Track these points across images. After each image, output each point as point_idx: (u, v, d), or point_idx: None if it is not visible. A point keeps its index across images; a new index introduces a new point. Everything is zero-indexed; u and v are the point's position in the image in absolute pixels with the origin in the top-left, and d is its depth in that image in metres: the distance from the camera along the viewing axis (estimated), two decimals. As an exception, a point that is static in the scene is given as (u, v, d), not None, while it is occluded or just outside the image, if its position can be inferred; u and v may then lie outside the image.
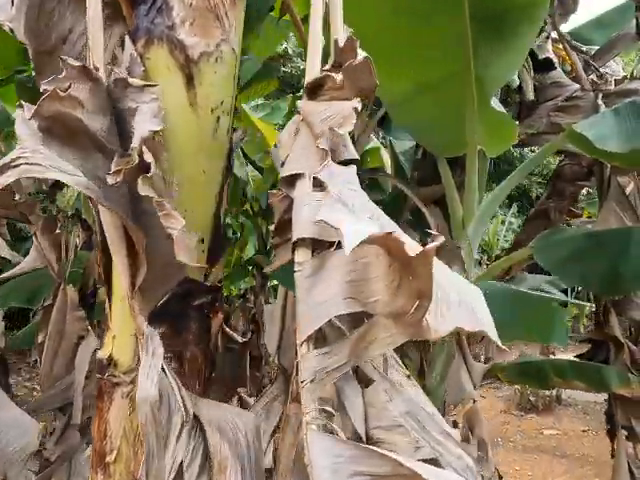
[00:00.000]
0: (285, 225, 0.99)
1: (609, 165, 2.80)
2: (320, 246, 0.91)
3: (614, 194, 2.71)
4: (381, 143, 4.16)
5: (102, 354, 1.12)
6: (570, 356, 3.34)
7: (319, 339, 0.89)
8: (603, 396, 3.22)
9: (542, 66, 2.95)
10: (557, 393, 8.08)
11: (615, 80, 3.05)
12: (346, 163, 0.96)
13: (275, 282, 5.37)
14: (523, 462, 6.13)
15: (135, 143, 0.82)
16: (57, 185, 2.84)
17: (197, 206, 1.07)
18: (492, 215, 2.84)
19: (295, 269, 0.88)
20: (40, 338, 2.49)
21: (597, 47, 3.17)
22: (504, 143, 2.49)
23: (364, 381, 0.91)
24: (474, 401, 2.25)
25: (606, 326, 2.89)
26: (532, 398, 7.91)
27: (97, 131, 0.86)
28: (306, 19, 2.29)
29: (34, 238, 2.45)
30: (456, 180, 2.48)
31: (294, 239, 0.88)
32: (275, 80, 4.16)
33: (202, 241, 1.11)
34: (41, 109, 0.80)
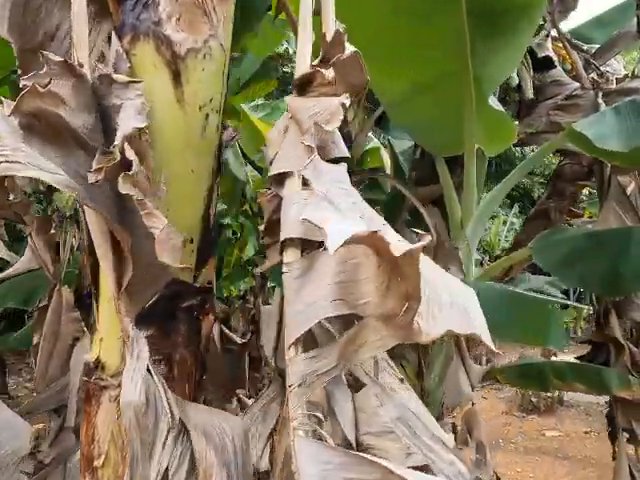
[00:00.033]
0: (275, 225, 0.97)
1: (609, 164, 2.78)
2: (309, 246, 0.89)
3: (614, 194, 2.69)
4: (381, 143, 4.14)
5: (89, 357, 1.10)
6: (571, 358, 3.31)
7: (308, 342, 0.87)
8: (605, 397, 3.18)
9: (542, 64, 2.93)
10: (559, 394, 8.04)
11: (616, 79, 3.02)
12: (337, 161, 0.93)
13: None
14: (524, 464, 6.10)
15: (117, 140, 0.80)
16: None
17: (185, 205, 1.05)
18: (491, 215, 2.82)
19: (283, 270, 0.86)
20: (35, 339, 2.47)
21: (598, 46, 3.15)
22: (503, 142, 2.47)
23: (354, 385, 0.88)
24: (472, 403, 2.23)
25: (606, 327, 2.86)
26: (534, 399, 7.87)
27: (79, 128, 0.84)
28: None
29: (29, 239, 2.43)
30: (455, 180, 2.46)
31: (282, 239, 0.86)
32: (274, 80, 4.14)
33: (191, 241, 1.09)
34: (20, 105, 0.78)
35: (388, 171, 3.50)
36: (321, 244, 0.86)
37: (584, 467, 6.03)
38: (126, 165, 0.80)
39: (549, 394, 7.80)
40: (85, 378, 1.09)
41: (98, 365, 1.08)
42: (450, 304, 0.80)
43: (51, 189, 3.06)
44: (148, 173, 0.91)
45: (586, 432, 7.16)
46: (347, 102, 0.83)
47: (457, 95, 2.15)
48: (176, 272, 1.00)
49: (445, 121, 2.32)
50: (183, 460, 0.92)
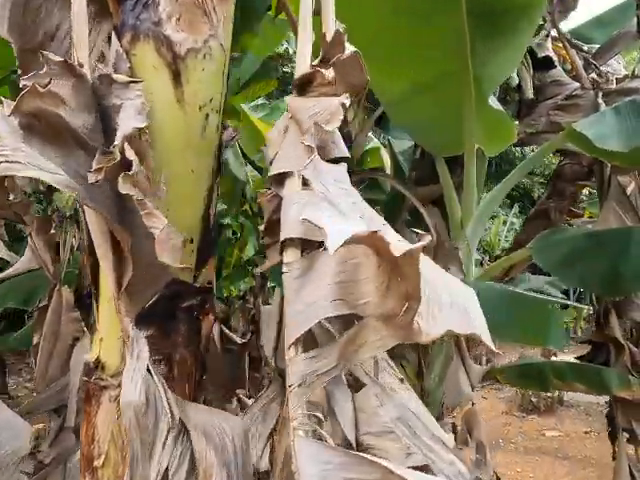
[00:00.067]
0: (275, 225, 0.97)
1: (609, 164, 2.78)
2: (310, 246, 0.89)
3: (614, 194, 2.68)
4: (381, 143, 4.14)
5: (89, 357, 1.10)
6: (571, 357, 3.31)
7: (308, 342, 0.87)
8: (605, 397, 3.18)
9: (542, 64, 2.93)
10: (559, 394, 8.03)
11: (616, 79, 3.02)
12: (337, 161, 0.93)
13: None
14: (524, 464, 6.10)
15: (117, 140, 0.80)
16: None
17: (185, 205, 1.05)
18: (491, 215, 2.81)
19: (283, 270, 0.86)
20: (35, 339, 2.47)
21: (598, 46, 3.15)
22: (503, 142, 2.47)
23: (354, 385, 0.88)
24: (472, 403, 2.23)
25: (606, 327, 2.86)
26: (534, 399, 7.86)
27: (79, 128, 0.84)
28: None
29: (29, 239, 2.43)
30: (454, 180, 2.46)
31: (282, 239, 0.86)
32: (274, 80, 4.14)
33: (191, 241, 1.09)
34: (20, 105, 0.78)
35: (388, 171, 3.50)
36: (321, 244, 0.86)
37: (584, 467, 6.03)
38: (126, 165, 0.80)
39: (549, 394, 7.79)
40: (85, 378, 1.09)
41: (98, 365, 1.08)
42: (450, 304, 0.80)
43: (51, 189, 3.06)
44: (148, 173, 0.91)
45: (586, 432, 7.16)
46: (347, 102, 0.83)
47: (457, 95, 2.14)
48: (176, 272, 1.00)
49: (445, 121, 2.32)
50: (183, 460, 0.92)
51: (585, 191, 4.77)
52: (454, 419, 2.85)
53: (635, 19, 2.85)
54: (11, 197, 2.29)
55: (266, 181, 0.97)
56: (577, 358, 3.13)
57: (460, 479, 0.83)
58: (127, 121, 0.84)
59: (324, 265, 0.83)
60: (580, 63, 2.94)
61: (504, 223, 11.96)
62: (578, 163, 3.21)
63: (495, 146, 2.50)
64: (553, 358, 5.48)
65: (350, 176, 0.90)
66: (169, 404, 0.92)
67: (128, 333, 0.95)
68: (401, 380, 0.97)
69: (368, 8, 1.94)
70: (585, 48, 3.05)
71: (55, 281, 2.48)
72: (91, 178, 0.77)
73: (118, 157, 0.78)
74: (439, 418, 2.27)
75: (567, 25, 3.21)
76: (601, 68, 3.01)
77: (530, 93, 2.85)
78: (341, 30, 0.85)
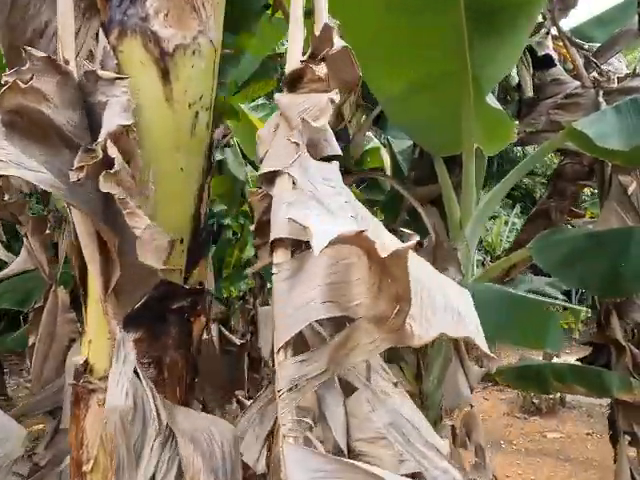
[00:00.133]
0: (265, 225, 0.95)
1: (610, 164, 2.75)
2: (300, 246, 0.86)
3: (615, 193, 2.65)
4: (382, 143, 4.11)
5: (78, 359, 1.08)
6: (573, 359, 3.28)
7: (299, 345, 0.84)
8: (607, 399, 3.15)
9: (542, 63, 2.91)
10: (561, 396, 7.99)
11: (617, 78, 3.00)
12: (330, 159, 0.91)
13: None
14: (526, 466, 6.06)
15: (100, 138, 0.78)
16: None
17: (175, 204, 1.03)
18: (491, 215, 2.79)
19: (273, 271, 0.83)
20: (31, 340, 2.45)
21: (598, 44, 3.12)
22: (502, 141, 2.45)
23: (346, 390, 0.86)
24: (471, 406, 2.20)
25: (607, 329, 2.83)
26: (535, 401, 7.82)
27: (63, 125, 0.82)
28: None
29: (24, 239, 2.41)
30: (453, 180, 2.44)
31: (271, 239, 0.83)
32: (274, 80, 4.11)
33: (181, 241, 1.07)
34: (2, 102, 0.76)
35: (389, 171, 3.48)
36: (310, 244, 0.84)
37: (586, 469, 5.99)
38: (109, 163, 0.78)
39: (551, 395, 7.75)
40: (73, 381, 1.07)
41: (86, 368, 1.06)
42: (444, 307, 0.77)
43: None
44: (135, 172, 0.89)
45: (588, 434, 7.11)
46: (337, 98, 0.81)
47: (455, 94, 2.12)
48: (165, 273, 0.98)
49: (443, 120, 2.30)
50: (171, 466, 0.89)
51: (587, 191, 4.74)
52: (453, 421, 2.83)
53: (636, 17, 2.83)
54: (6, 197, 2.27)
55: (257, 180, 0.95)
56: (578, 360, 3.10)
57: (454, 487, 0.80)
58: (112, 118, 0.82)
59: (314, 266, 0.81)
60: (581, 62, 2.92)
61: (506, 223, 11.91)
62: (579, 163, 3.19)
63: (494, 145, 2.48)
64: (554, 360, 5.45)
65: (349, 176, 0.87)
66: (157, 409, 0.90)
67: (115, 335, 0.92)
68: (395, 384, 0.94)
69: (367, 8, 1.93)
70: (586, 46, 3.02)
71: (51, 282, 2.46)
72: (72, 176, 0.74)
73: (100, 155, 0.76)
74: (438, 421, 2.24)
75: (568, 24, 3.19)
76: (602, 67, 2.98)
77: (530, 92, 2.82)
78: (331, 25, 0.82)
